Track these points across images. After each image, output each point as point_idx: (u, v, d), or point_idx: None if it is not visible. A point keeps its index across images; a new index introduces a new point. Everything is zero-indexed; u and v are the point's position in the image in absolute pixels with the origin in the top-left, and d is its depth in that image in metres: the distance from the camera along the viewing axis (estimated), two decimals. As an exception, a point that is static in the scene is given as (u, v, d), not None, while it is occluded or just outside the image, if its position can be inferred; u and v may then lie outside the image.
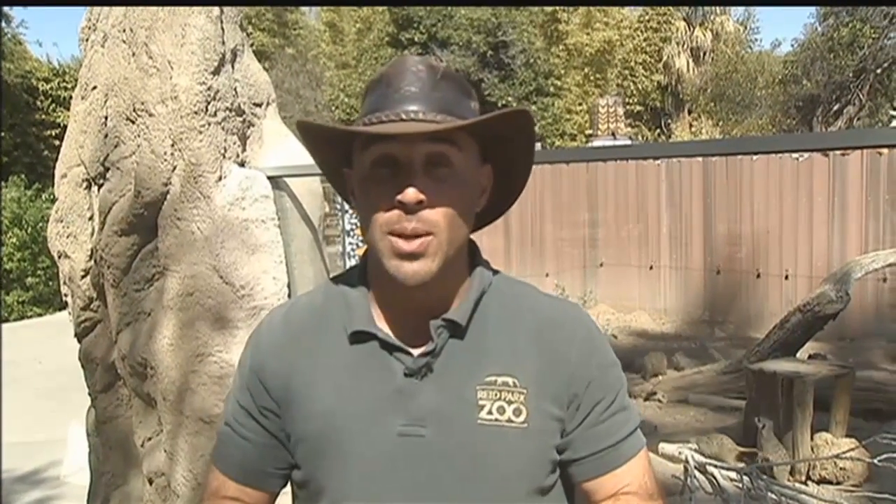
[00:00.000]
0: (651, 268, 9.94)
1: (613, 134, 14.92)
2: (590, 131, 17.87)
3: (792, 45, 26.17)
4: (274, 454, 1.08)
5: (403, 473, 0.98)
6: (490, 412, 0.99)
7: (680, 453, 4.50)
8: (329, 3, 24.44)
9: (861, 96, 18.65)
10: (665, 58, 26.47)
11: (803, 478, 4.50)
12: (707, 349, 7.90)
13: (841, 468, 4.36)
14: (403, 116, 0.97)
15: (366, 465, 0.99)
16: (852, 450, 4.21)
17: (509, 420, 0.99)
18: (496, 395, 0.99)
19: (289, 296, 2.60)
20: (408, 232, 0.94)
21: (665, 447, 4.74)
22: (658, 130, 26.48)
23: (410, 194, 0.94)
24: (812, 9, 20.61)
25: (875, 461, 3.68)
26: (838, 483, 4.37)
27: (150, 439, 2.85)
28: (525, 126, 1.03)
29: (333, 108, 18.90)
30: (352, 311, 1.05)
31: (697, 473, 4.17)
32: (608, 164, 10.36)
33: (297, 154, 2.84)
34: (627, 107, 23.34)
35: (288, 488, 1.14)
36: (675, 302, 9.66)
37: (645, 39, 26.54)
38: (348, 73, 21.14)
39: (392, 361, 1.01)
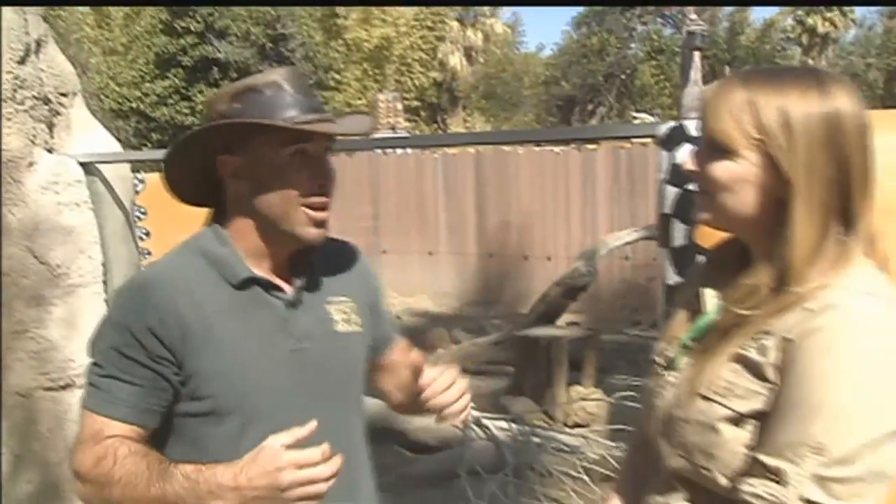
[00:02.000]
0: (430, 254, 10.67)
1: (393, 128, 15.58)
2: (370, 125, 18.40)
3: (551, 50, 28.43)
4: (162, 395, 1.27)
5: (297, 381, 1.33)
6: (340, 323, 1.40)
7: (459, 411, 5.10)
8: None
9: (609, 98, 20.85)
10: (440, 56, 27.69)
11: (561, 424, 5.27)
12: (483, 326, 8.68)
13: (589, 413, 5.18)
14: (320, 118, 1.29)
15: (269, 380, 1.30)
16: (592, 394, 5.04)
17: (351, 327, 1.41)
18: (340, 310, 1.40)
19: (104, 274, 2.79)
20: (321, 206, 1.31)
21: (446, 407, 5.33)
22: (435, 125, 27.69)
23: (326, 179, 1.31)
24: (570, 16, 22.63)
25: (611, 400, 4.48)
26: (587, 426, 5.18)
27: (-44, 421, 2.89)
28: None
29: (103, 97, 17.93)
30: (230, 265, 1.31)
31: (474, 426, 4.77)
32: (389, 156, 10.94)
33: (106, 142, 3.01)
34: (405, 102, 24.21)
35: None
36: (453, 285, 10.43)
37: (421, 37, 27.58)
38: (117, 60, 20.13)
39: (272, 299, 1.33)
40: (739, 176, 1.07)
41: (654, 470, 1.22)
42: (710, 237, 1.72)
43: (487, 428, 4.79)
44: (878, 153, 1.21)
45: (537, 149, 9.99)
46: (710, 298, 1.18)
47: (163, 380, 1.26)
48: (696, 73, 14.13)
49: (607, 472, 3.97)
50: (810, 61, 23.50)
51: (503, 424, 4.78)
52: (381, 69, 26.48)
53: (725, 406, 1.07)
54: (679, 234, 1.77)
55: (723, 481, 1.08)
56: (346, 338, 1.40)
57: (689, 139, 1.77)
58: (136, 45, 19.46)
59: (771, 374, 1.04)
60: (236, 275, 1.31)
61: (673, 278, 1.79)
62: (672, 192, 1.78)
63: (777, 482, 1.00)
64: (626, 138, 7.89)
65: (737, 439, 1.07)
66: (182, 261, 1.34)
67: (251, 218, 1.32)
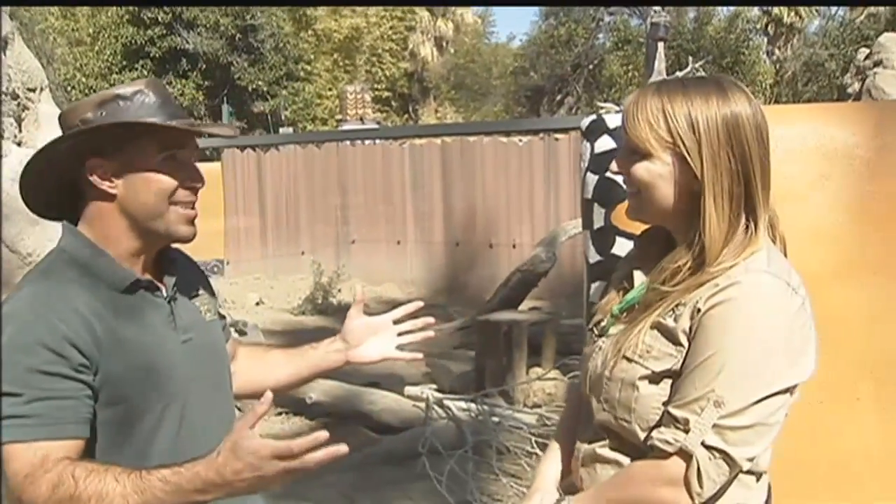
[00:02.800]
0: (398, 243, 10.83)
1: (362, 119, 15.69)
2: (339, 116, 18.51)
3: (521, 40, 28.61)
4: (89, 403, 1.28)
5: (192, 370, 1.43)
6: (206, 314, 1.53)
7: (422, 393, 5.28)
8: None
9: (577, 89, 21.08)
10: (411, 46, 27.71)
11: (521, 405, 5.47)
12: (449, 312, 8.86)
13: (548, 393, 5.38)
14: (187, 124, 1.38)
15: (173, 374, 1.38)
16: (549, 373, 5.24)
17: (213, 317, 1.55)
18: (203, 304, 1.54)
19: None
20: (192, 204, 1.41)
21: (409, 389, 5.52)
22: (406, 116, 27.74)
23: (197, 181, 1.41)
24: (537, 7, 22.83)
25: (567, 380, 4.69)
26: (545, 405, 5.39)
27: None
28: None
29: (69, 89, 17.80)
30: (112, 271, 1.36)
31: (435, 407, 4.95)
32: (357, 147, 11.08)
33: (73, 135, 3.14)
34: (376, 93, 24.24)
35: None
36: (421, 273, 10.61)
37: (391, 28, 27.58)
38: (84, 51, 19.95)
39: (155, 298, 1.41)
40: (658, 174, 1.26)
41: (585, 421, 1.41)
42: (624, 219, 1.91)
43: (448, 408, 4.97)
44: (779, 143, 1.41)
45: (504, 139, 10.19)
46: (639, 277, 1.37)
47: (87, 387, 1.27)
48: (660, 64, 14.39)
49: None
50: (776, 51, 23.90)
51: (463, 405, 4.97)
52: (352, 60, 26.48)
53: (644, 366, 1.26)
54: (598, 216, 1.96)
55: (640, 432, 1.27)
56: (215, 326, 1.55)
57: (608, 131, 1.96)
58: (102, 36, 19.26)
59: (682, 338, 1.24)
60: (121, 280, 1.36)
61: (594, 257, 1.98)
62: (592, 179, 1.97)
63: (683, 430, 1.20)
64: (558, 131, 8.31)
65: (652, 395, 1.26)
66: (62, 274, 1.34)
67: (125, 220, 1.37)
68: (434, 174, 10.53)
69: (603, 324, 1.40)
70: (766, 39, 24.26)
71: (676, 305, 1.25)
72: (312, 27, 25.02)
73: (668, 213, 1.29)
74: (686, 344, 1.23)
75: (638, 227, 1.47)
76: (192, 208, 1.40)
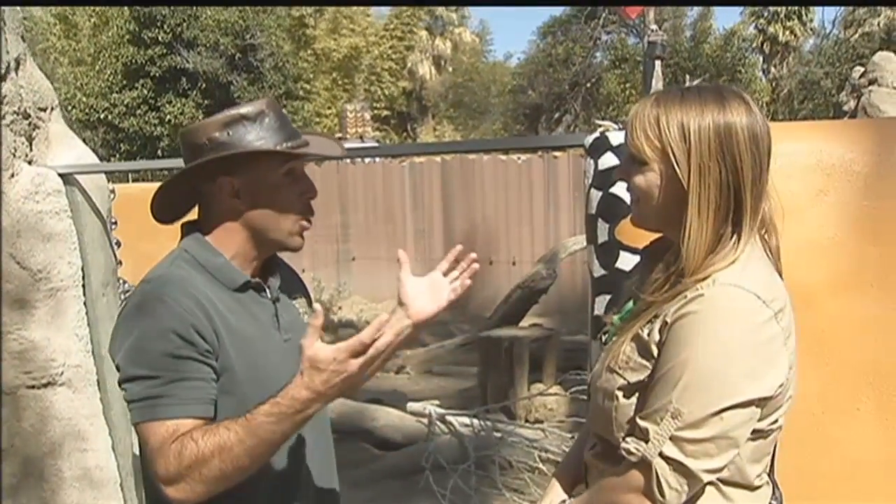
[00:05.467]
0: (398, 260, 10.87)
1: (361, 137, 15.80)
2: (339, 135, 18.61)
3: (518, 59, 28.80)
4: (214, 385, 1.41)
5: (289, 366, 1.48)
6: (304, 316, 1.63)
7: (425, 409, 5.31)
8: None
9: (575, 107, 21.20)
10: (409, 65, 27.90)
11: (522, 420, 5.50)
12: (449, 329, 8.89)
13: (549, 409, 5.41)
14: (301, 142, 1.51)
15: (277, 370, 1.45)
16: (550, 388, 5.27)
17: (308, 320, 1.61)
18: (300, 304, 1.65)
19: (83, 278, 2.96)
20: (309, 219, 1.53)
21: (412, 405, 5.54)
22: (405, 134, 27.87)
23: (312, 193, 1.54)
24: (535, 26, 23.01)
25: (567, 395, 4.72)
26: (546, 421, 5.41)
27: (-60, 419, 3.03)
28: None
29: (70, 108, 17.87)
30: (228, 272, 1.49)
31: (438, 422, 4.98)
32: (357, 165, 11.15)
33: (84, 154, 3.18)
34: (375, 111, 24.37)
35: None
36: (422, 290, 10.64)
37: (390, 47, 27.75)
38: (85, 71, 20.04)
39: (262, 298, 1.54)
40: (652, 183, 1.27)
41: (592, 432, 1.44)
42: (628, 234, 1.96)
43: (451, 424, 5.00)
44: (777, 159, 1.44)
45: (504, 157, 10.26)
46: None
47: (213, 371, 1.40)
48: (657, 82, 14.46)
49: (563, 462, 4.20)
50: (772, 69, 24.07)
51: (465, 420, 5.00)
52: (351, 79, 26.60)
53: (623, 377, 1.28)
54: (602, 232, 2.00)
55: (620, 441, 1.28)
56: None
57: (611, 148, 2.01)
58: (103, 56, 19.32)
59: (654, 350, 1.25)
60: (235, 280, 1.50)
61: (598, 271, 2.02)
62: (596, 195, 2.01)
63: (644, 440, 1.21)
64: (560, 148, 8.41)
65: (629, 406, 1.28)
66: (184, 271, 1.47)
67: (246, 231, 1.50)
68: (434, 192, 10.60)
69: (607, 335, 1.43)
70: (761, 58, 24.43)
71: (654, 317, 1.26)
72: (312, 47, 25.15)
73: (666, 222, 1.29)
74: (657, 355, 1.24)
75: (641, 242, 1.50)
76: (307, 221, 1.54)
